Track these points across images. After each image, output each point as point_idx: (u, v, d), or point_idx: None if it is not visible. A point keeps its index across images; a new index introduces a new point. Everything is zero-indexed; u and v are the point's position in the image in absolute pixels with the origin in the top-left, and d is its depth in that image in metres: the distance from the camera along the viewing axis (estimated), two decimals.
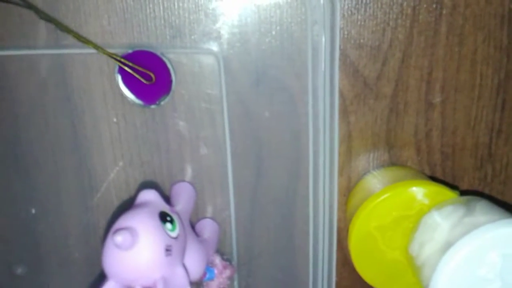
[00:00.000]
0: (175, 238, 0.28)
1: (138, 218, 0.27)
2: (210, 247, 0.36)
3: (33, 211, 0.39)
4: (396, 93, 0.36)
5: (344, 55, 0.35)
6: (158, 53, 0.35)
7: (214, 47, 0.35)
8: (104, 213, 0.39)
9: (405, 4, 0.35)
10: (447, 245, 0.28)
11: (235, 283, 0.40)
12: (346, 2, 0.35)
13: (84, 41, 0.34)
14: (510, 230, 0.27)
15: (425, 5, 0.35)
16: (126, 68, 0.34)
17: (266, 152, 0.37)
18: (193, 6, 0.34)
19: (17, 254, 0.41)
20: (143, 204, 0.29)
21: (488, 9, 0.35)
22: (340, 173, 0.38)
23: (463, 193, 0.35)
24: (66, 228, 0.40)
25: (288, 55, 0.35)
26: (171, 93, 0.36)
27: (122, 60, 0.34)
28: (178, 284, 0.28)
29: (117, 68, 0.35)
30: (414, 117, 0.37)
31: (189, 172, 0.38)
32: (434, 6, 0.35)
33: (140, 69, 0.34)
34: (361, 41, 0.35)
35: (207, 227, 0.38)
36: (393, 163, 0.38)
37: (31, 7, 0.34)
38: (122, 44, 0.35)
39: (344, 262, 0.40)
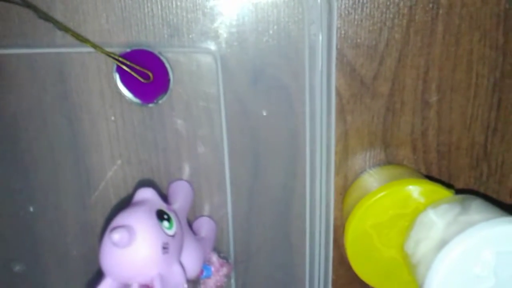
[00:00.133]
0: (172, 236, 0.29)
1: (136, 216, 0.28)
2: (207, 245, 0.37)
3: (31, 209, 0.40)
4: (392, 92, 0.37)
5: (341, 55, 0.36)
6: (156, 52, 0.35)
7: (211, 46, 0.35)
8: (101, 211, 0.39)
9: (401, 4, 0.35)
10: (442, 243, 0.28)
11: (232, 280, 0.40)
12: (343, 1, 0.35)
13: (82, 40, 0.34)
14: (504, 228, 0.27)
15: (421, 5, 0.35)
16: (124, 67, 0.34)
17: (263, 151, 0.37)
18: (191, 5, 0.34)
19: (15, 252, 0.41)
20: (141, 202, 0.29)
21: (484, 9, 0.35)
22: (337, 172, 0.38)
23: (458, 191, 0.35)
24: (64, 226, 0.40)
25: (286, 54, 0.35)
26: (168, 91, 0.36)
27: (120, 59, 0.34)
28: (175, 281, 0.29)
29: (115, 67, 0.35)
30: (410, 116, 0.37)
31: (186, 171, 0.38)
32: (430, 6, 0.35)
33: (138, 68, 0.34)
34: (358, 40, 0.35)
35: (204, 225, 0.38)
36: (390, 162, 0.38)
37: (29, 6, 0.34)
38: (120, 43, 0.35)
39: (341, 260, 0.40)
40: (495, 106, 0.37)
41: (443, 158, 0.38)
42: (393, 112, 0.37)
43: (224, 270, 0.37)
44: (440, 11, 0.35)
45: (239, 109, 0.36)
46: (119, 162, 0.38)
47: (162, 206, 0.30)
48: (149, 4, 0.35)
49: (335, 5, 0.33)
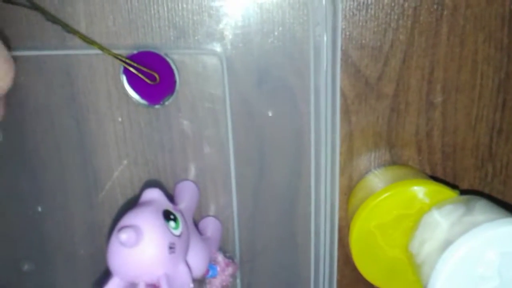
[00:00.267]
0: (179, 236, 0.29)
1: (142, 216, 0.28)
2: (213, 244, 0.37)
3: (40, 209, 0.40)
4: (397, 93, 0.37)
5: (345, 56, 0.36)
6: (162, 54, 0.35)
7: (217, 47, 0.35)
8: (109, 211, 0.39)
9: (406, 5, 0.35)
10: (447, 244, 0.29)
11: (238, 280, 0.41)
12: (348, 3, 0.35)
13: (89, 42, 0.34)
14: (508, 229, 0.27)
15: (426, 6, 0.35)
16: (131, 69, 0.35)
17: (269, 151, 0.38)
18: (197, 7, 0.35)
19: (23, 251, 0.41)
20: (147, 203, 0.29)
21: (488, 9, 0.35)
22: (342, 172, 0.38)
23: (463, 192, 0.35)
24: (72, 226, 0.40)
25: (291, 55, 0.35)
26: (175, 93, 0.36)
27: (127, 60, 0.35)
28: (181, 281, 0.29)
29: (122, 68, 0.35)
30: (415, 117, 0.37)
31: (192, 171, 0.38)
32: (435, 7, 0.35)
33: (144, 69, 0.35)
34: (363, 41, 0.36)
35: (210, 225, 0.38)
36: (394, 162, 0.38)
37: (37, 8, 0.34)
38: (126, 45, 0.35)
39: (346, 260, 0.40)
40: (500, 107, 0.37)
41: (448, 158, 0.38)
42: (397, 113, 0.37)
43: (230, 270, 0.37)
44: (445, 12, 0.35)
45: (245, 109, 0.37)
46: (125, 162, 0.38)
47: (169, 206, 0.30)
48: (155, 6, 0.35)
49: (339, 6, 0.33)
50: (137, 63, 0.35)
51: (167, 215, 0.29)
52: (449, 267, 0.28)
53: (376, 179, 0.37)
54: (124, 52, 0.35)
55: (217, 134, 0.37)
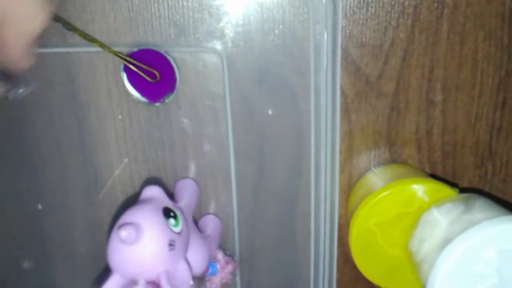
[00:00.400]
0: (178, 233, 0.29)
1: (142, 214, 0.28)
2: (213, 242, 0.37)
3: (40, 207, 0.40)
4: (397, 92, 0.37)
5: (346, 54, 0.36)
6: (163, 52, 0.35)
7: (217, 45, 0.35)
8: (109, 208, 0.39)
9: (406, 3, 0.35)
10: (446, 242, 0.29)
11: (237, 278, 0.41)
12: (348, 1, 0.35)
13: (90, 39, 0.35)
14: (507, 227, 0.27)
15: (426, 4, 0.35)
16: (131, 66, 0.35)
17: (269, 149, 0.38)
18: (197, 5, 0.35)
19: (24, 249, 0.41)
20: (147, 200, 0.30)
21: (489, 8, 0.35)
22: (342, 170, 0.38)
23: (463, 190, 0.35)
24: (72, 223, 0.40)
25: (291, 54, 0.36)
26: (175, 91, 0.36)
27: (127, 58, 0.35)
28: (181, 278, 0.29)
29: (122, 66, 0.35)
30: (415, 115, 0.37)
31: (192, 169, 0.38)
32: (435, 5, 0.35)
33: (145, 67, 0.35)
34: (363, 40, 0.36)
35: (210, 223, 0.38)
36: (394, 160, 0.38)
37: None
38: (127, 42, 0.35)
39: (345, 258, 0.40)
40: (500, 105, 0.37)
41: (448, 157, 0.38)
42: (397, 111, 0.37)
43: (230, 268, 0.37)
44: (445, 11, 0.35)
45: (245, 108, 0.37)
46: (126, 160, 0.38)
47: (169, 204, 0.30)
48: (156, 4, 0.35)
49: (340, 4, 0.33)
50: (138, 61, 0.35)
51: (167, 213, 0.29)
52: (448, 265, 0.28)
53: (375, 177, 0.37)
54: (124, 50, 0.35)
55: (217, 132, 0.37)
